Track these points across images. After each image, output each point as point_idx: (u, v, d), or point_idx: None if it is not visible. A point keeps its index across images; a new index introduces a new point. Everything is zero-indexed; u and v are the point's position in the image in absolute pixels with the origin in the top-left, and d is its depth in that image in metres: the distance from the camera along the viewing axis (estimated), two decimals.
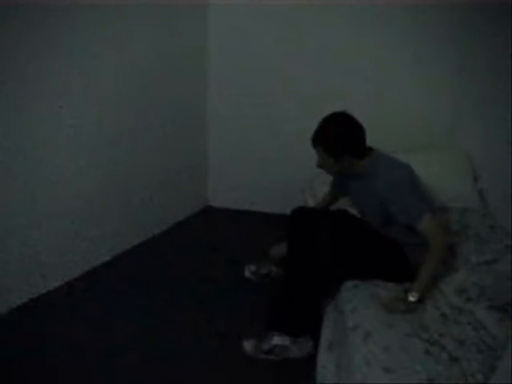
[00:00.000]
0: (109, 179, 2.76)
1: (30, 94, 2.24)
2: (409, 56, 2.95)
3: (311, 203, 2.65)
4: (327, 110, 3.07)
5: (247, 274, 2.62)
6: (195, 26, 3.16)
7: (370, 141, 2.95)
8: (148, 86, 2.89)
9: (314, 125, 3.15)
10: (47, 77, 2.29)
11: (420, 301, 1.81)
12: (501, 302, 1.76)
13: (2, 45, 2.08)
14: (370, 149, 2.04)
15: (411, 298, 1.80)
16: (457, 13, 2.77)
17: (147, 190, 3.04)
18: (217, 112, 3.38)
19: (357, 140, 1.99)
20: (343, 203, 2.41)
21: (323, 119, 2.02)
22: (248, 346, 2.06)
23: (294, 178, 3.15)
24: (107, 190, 2.76)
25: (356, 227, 2.13)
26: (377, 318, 1.74)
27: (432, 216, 1.87)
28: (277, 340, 2.01)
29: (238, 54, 3.20)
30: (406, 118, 3.01)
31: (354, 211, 2.29)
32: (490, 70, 2.66)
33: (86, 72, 2.47)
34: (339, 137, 1.96)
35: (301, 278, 2.02)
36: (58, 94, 2.36)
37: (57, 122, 2.40)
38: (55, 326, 2.25)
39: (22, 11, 2.10)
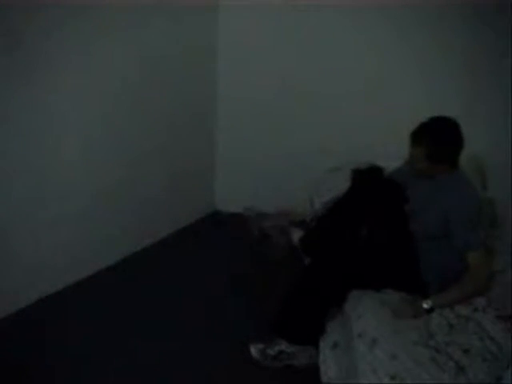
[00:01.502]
0: (115, 183, 2.75)
1: (35, 95, 2.23)
2: (413, 57, 2.93)
3: (318, 207, 2.66)
4: (338, 115, 3.15)
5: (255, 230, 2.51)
6: (205, 26, 3.16)
7: (374, 144, 2.98)
8: (156, 90, 2.89)
9: (322, 130, 3.22)
10: (51, 77, 2.28)
11: (429, 311, 1.82)
12: (507, 312, 1.76)
13: (3, 45, 2.07)
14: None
15: (425, 305, 1.82)
16: (460, 12, 2.75)
17: (154, 194, 3.05)
18: (225, 116, 3.39)
19: (458, 152, 1.95)
20: None
21: (431, 121, 1.94)
22: (254, 350, 2.06)
23: (301, 184, 3.14)
24: (114, 193, 2.76)
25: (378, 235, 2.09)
26: (383, 325, 1.74)
27: (484, 252, 1.89)
28: (284, 346, 2.02)
29: (248, 56, 3.21)
30: (412, 121, 3.00)
31: None
32: (497, 70, 2.67)
33: (91, 74, 2.47)
34: (444, 145, 1.91)
35: (313, 287, 2.01)
36: (64, 95, 2.36)
37: (62, 125, 2.40)
38: (62, 328, 2.26)
39: (24, 11, 2.08)
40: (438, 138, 1.90)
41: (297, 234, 2.34)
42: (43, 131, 2.31)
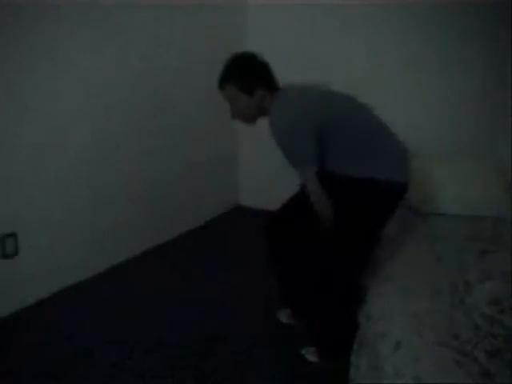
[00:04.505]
0: (137, 177, 2.80)
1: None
2: (435, 59, 2.94)
3: None
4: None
5: None
6: (233, 25, 3.24)
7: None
8: (181, 84, 2.93)
9: None
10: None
11: None
12: None
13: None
14: (279, 87, 1.98)
15: None
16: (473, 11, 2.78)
17: (177, 187, 3.06)
18: None
19: (265, 72, 1.95)
20: None
21: (227, 60, 1.95)
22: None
23: None
24: (135, 187, 2.80)
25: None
26: (405, 325, 1.72)
27: (313, 171, 1.80)
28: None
29: (274, 53, 3.20)
30: (436, 123, 3.00)
31: None
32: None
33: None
34: (249, 69, 1.91)
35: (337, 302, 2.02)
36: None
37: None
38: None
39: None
40: (237, 67, 1.91)
41: None
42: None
